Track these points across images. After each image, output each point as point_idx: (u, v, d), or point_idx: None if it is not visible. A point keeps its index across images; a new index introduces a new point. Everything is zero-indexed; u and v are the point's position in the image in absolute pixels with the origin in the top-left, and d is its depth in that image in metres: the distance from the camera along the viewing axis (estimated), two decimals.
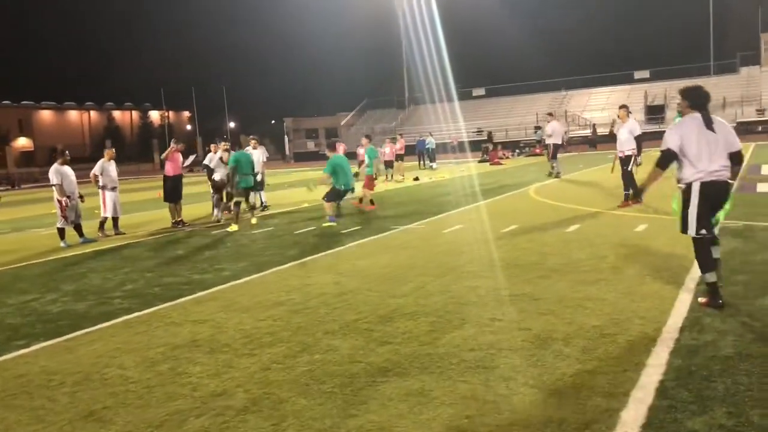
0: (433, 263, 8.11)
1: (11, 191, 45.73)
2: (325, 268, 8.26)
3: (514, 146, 47.11)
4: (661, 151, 5.55)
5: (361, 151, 27.30)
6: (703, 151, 5.36)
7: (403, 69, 69.72)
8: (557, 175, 20.43)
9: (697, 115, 5.49)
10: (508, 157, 40.08)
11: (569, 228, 10.10)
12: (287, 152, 68.23)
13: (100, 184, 12.64)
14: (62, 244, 11.80)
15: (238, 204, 13.24)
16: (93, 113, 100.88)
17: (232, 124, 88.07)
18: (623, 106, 12.86)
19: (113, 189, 12.76)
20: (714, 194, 5.37)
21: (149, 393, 4.35)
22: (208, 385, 4.41)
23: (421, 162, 34.64)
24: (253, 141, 15.22)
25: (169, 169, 13.70)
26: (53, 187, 11.83)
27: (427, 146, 34.40)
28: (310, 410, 3.89)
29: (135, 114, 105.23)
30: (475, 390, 4.02)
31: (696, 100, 5.60)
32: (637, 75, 60.79)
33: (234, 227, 12.63)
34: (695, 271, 6.53)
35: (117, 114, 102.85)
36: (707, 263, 5.43)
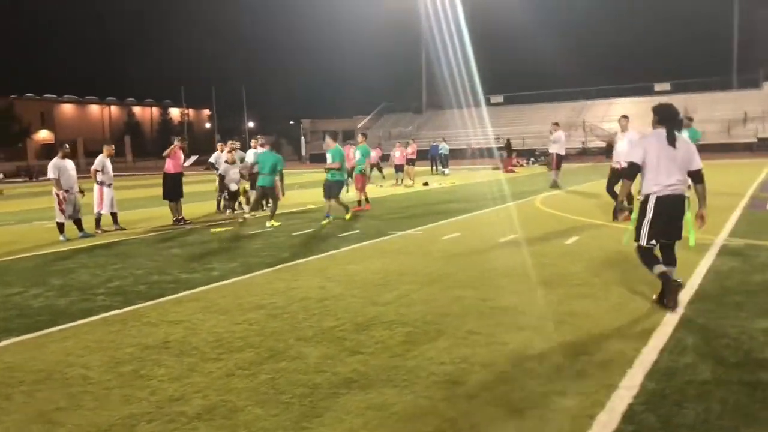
0: (424, 271, 7.96)
1: (29, 183, 46.18)
2: (314, 272, 8.14)
3: (529, 154, 46.76)
4: (627, 163, 5.93)
5: (372, 153, 27.46)
6: (662, 165, 5.64)
7: (422, 74, 69.52)
8: (557, 185, 20.09)
9: (663, 131, 5.74)
10: (522, 165, 39.79)
11: (569, 240, 9.91)
12: (303, 153, 68.27)
13: (99, 179, 12.62)
14: (61, 238, 11.78)
15: (258, 202, 13.37)
16: (114, 108, 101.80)
17: (251, 124, 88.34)
18: (624, 117, 12.64)
19: (110, 185, 12.75)
20: (669, 207, 5.65)
21: (106, 395, 4.25)
22: (167, 390, 4.29)
23: (434, 167, 34.48)
24: (253, 141, 15.18)
25: (170, 167, 13.65)
26: (52, 181, 11.83)
27: (440, 152, 34.21)
28: (263, 420, 3.76)
29: (155, 110, 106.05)
30: (436, 406, 3.88)
31: (663, 116, 5.82)
32: (658, 87, 60.04)
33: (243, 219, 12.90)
34: (689, 289, 6.36)
35: (137, 109, 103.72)
36: (651, 260, 5.81)
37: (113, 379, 4.54)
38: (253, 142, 15.02)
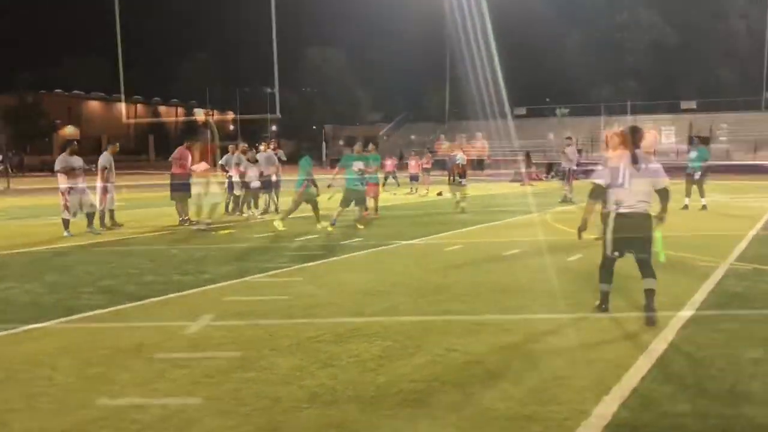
0: (419, 282, 7.82)
1: (50, 177, 46.73)
2: (308, 279, 8.03)
3: (549, 168, 46.28)
4: (593, 184, 6.15)
5: (388, 162, 27.44)
6: (625, 186, 5.86)
7: (446, 84, 69.35)
8: (569, 200, 19.74)
9: (627, 153, 5.98)
10: (540, 179, 39.42)
11: (572, 256, 9.69)
12: (323, 158, 68.41)
13: (104, 176, 12.66)
14: (65, 234, 11.80)
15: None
16: (139, 107, 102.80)
17: (273, 128, 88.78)
18: (616, 134, 12.35)
19: (111, 183, 12.80)
20: (628, 224, 5.85)
21: (66, 398, 4.17)
22: (129, 395, 4.21)
23: (451, 177, 34.24)
24: (263, 145, 15.16)
25: (177, 167, 13.66)
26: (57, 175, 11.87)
27: (457, 162, 33.95)
28: None
29: (180, 111, 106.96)
30: (396, 427, 3.74)
31: (627, 139, 6.10)
32: (684, 105, 59.33)
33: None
34: (683, 314, 6.16)
35: (162, 109, 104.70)
36: (605, 275, 6.24)
37: (77, 382, 4.46)
38: (263, 146, 14.99)
